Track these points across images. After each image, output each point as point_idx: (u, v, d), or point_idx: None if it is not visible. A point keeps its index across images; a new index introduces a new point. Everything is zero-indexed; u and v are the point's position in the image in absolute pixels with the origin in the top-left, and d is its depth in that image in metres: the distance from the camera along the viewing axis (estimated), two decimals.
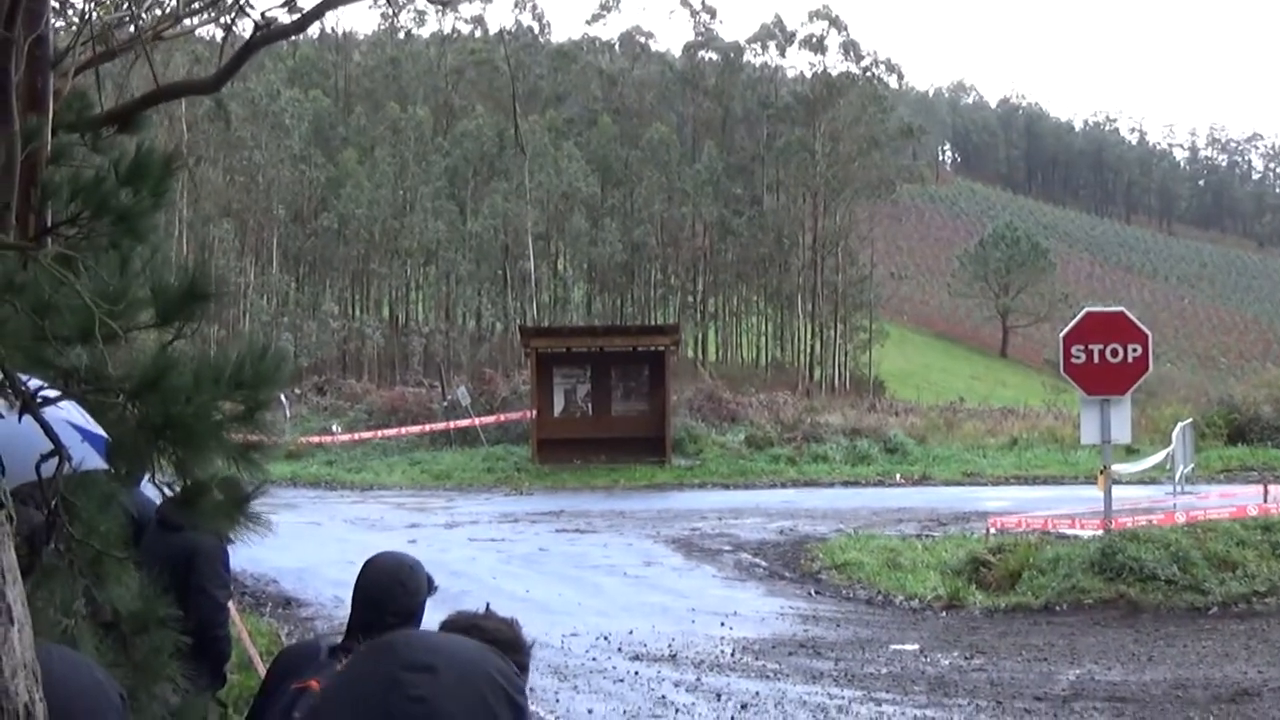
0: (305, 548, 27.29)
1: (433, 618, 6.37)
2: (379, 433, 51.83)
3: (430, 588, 5.98)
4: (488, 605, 5.00)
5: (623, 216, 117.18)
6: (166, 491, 7.22)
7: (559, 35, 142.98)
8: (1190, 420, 39.19)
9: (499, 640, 4.57)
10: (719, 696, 15.91)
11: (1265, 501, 28.06)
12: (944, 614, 21.96)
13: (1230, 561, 22.53)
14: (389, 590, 5.79)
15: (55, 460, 4.90)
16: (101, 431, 5.71)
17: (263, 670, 8.81)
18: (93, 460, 5.57)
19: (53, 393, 5.23)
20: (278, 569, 24.71)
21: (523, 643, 4.67)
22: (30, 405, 4.84)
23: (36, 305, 5.35)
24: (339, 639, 5.90)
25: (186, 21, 15.41)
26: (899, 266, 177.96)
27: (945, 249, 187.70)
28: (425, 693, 2.75)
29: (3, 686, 2.34)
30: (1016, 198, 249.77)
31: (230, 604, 9.88)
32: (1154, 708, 15.22)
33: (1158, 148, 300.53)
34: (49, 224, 7.16)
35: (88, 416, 5.69)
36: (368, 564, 5.99)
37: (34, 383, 5.08)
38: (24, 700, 2.38)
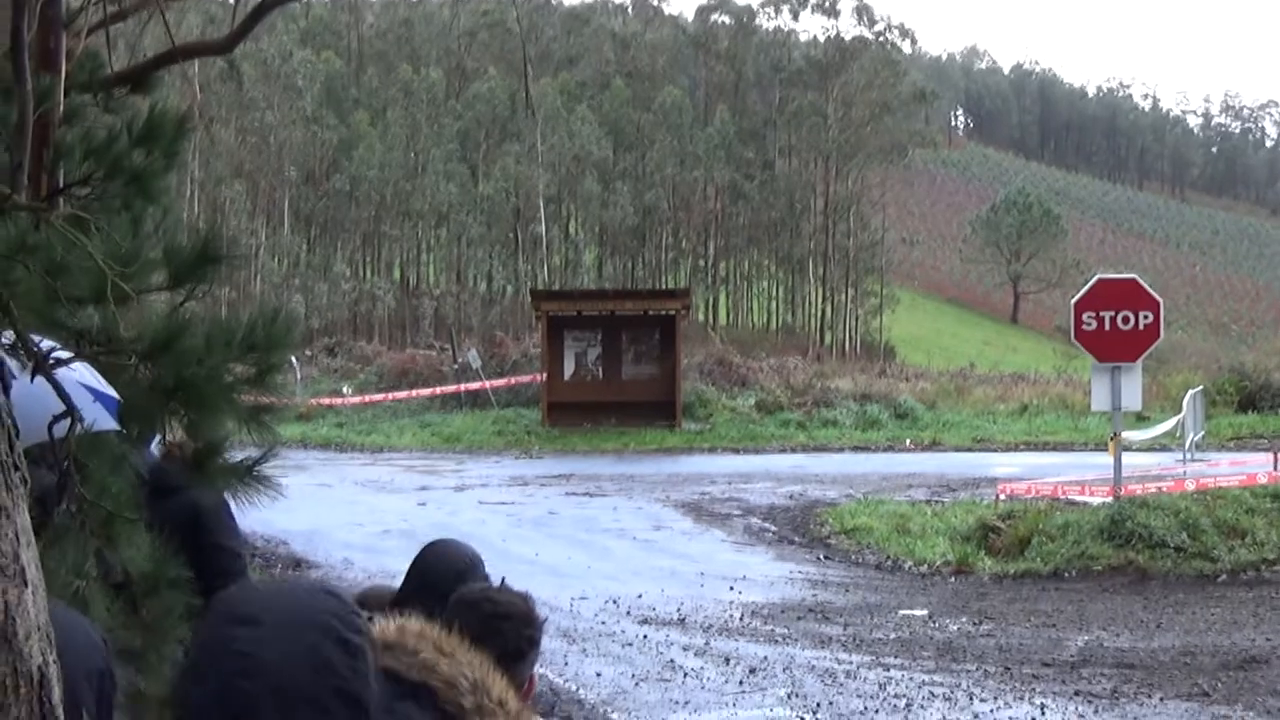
0: (315, 509, 27.33)
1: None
2: (389, 395, 51.84)
3: None
4: (503, 579, 5.02)
5: (634, 180, 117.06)
6: (155, 454, 7.23)
7: None
8: (1201, 388, 39.12)
9: (511, 614, 4.59)
10: (727, 660, 15.93)
11: (1275, 469, 27.97)
12: (953, 580, 21.99)
13: (1239, 529, 22.53)
14: (441, 574, 5.80)
15: (67, 421, 4.91)
16: (113, 393, 5.71)
17: None
18: (105, 421, 5.57)
19: (65, 354, 5.23)
20: (287, 531, 24.73)
21: (535, 617, 4.67)
22: (42, 366, 4.85)
23: (49, 266, 5.35)
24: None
25: None
26: (910, 232, 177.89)
27: (957, 214, 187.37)
28: (247, 646, 2.62)
29: (17, 649, 2.35)
30: (1029, 163, 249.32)
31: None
32: (1162, 674, 15.23)
33: (1171, 114, 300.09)
34: (61, 185, 7.16)
35: (100, 378, 5.69)
36: (430, 546, 6.01)
37: (46, 344, 5.08)
38: (38, 663, 2.39)
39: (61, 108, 7.52)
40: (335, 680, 2.63)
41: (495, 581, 5.96)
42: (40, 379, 4.81)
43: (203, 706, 2.61)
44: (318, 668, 2.62)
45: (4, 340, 4.52)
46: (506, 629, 4.44)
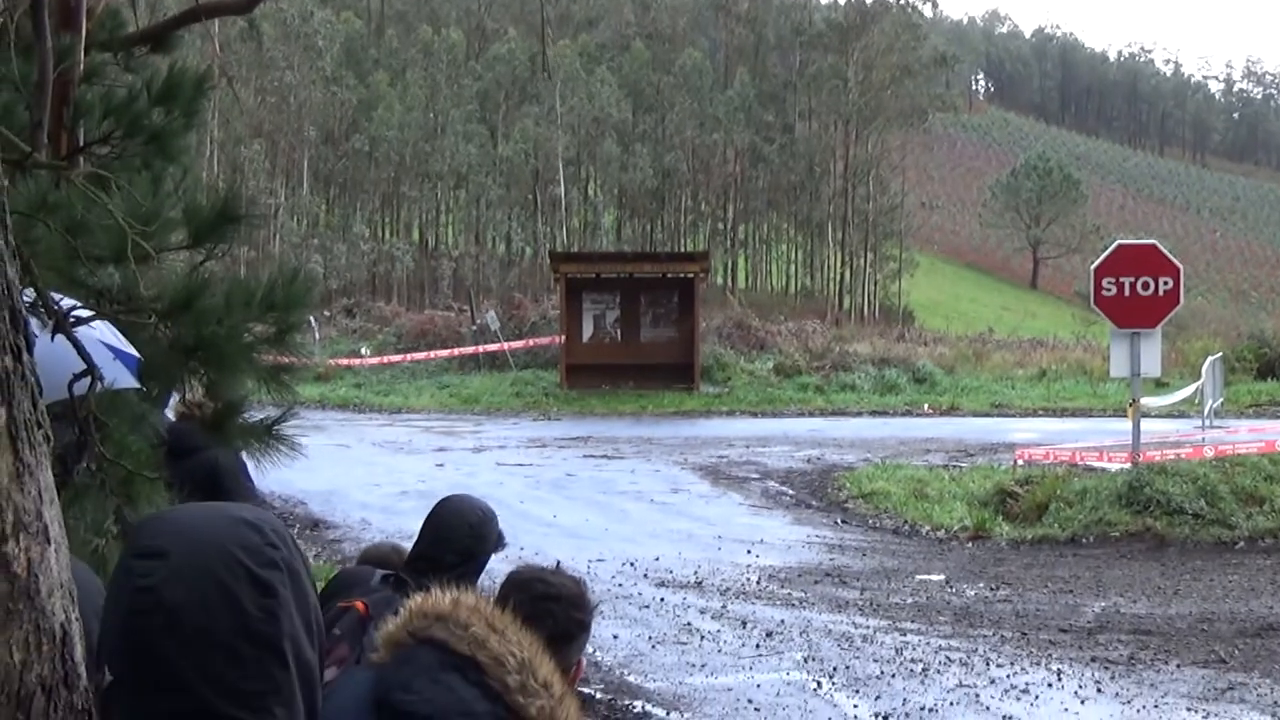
0: (333, 470, 27.39)
1: (499, 566, 6.47)
2: (408, 356, 51.92)
3: (500, 543, 6.02)
4: (558, 562, 5.04)
5: (654, 142, 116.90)
6: (169, 416, 7.24)
7: None
8: (1220, 354, 39.04)
9: (563, 595, 4.61)
10: (744, 624, 15.95)
11: None
12: (970, 545, 21.98)
13: (1258, 496, 22.49)
14: (455, 528, 5.85)
15: (87, 379, 4.91)
16: (133, 351, 5.72)
17: None
18: (125, 380, 5.58)
19: (85, 312, 5.24)
20: (306, 491, 24.79)
21: (586, 600, 4.67)
22: (63, 324, 4.85)
23: (69, 224, 5.35)
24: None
25: None
26: (930, 196, 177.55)
27: (977, 179, 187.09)
28: (153, 580, 2.49)
29: (39, 606, 2.35)
30: (1049, 128, 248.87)
31: None
32: (1179, 641, 15.23)
33: (1192, 80, 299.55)
34: (81, 143, 7.16)
35: (119, 336, 5.69)
36: (443, 500, 6.07)
37: (66, 302, 5.09)
38: (60, 619, 2.40)
39: (82, 66, 7.51)
40: (242, 619, 2.50)
41: (506, 536, 6.02)
42: (60, 337, 4.82)
43: (106, 643, 2.53)
44: (223, 606, 2.50)
45: (25, 298, 4.52)
46: (557, 611, 4.44)
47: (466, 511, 5.96)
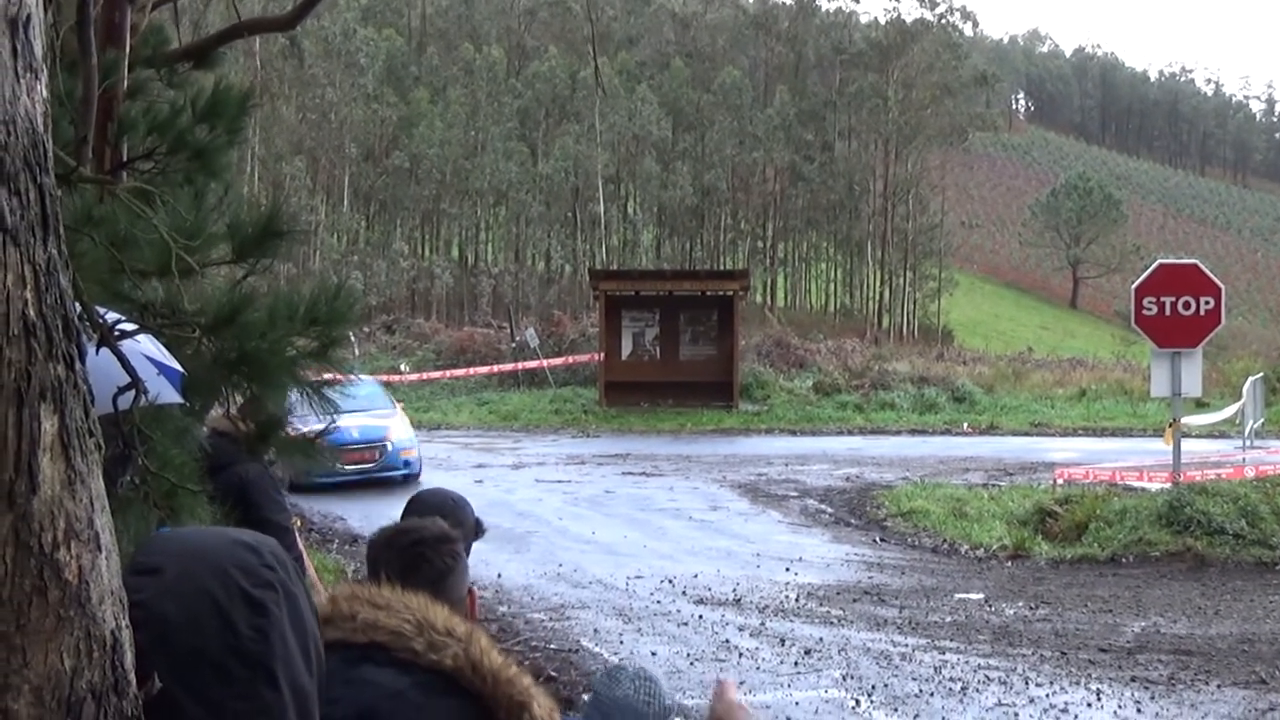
0: (370, 487, 27.46)
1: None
2: (447, 373, 51.99)
3: (479, 530, 6.03)
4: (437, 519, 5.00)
5: (693, 160, 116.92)
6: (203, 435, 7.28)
7: None
8: (1262, 374, 38.94)
9: (425, 538, 4.49)
10: (783, 641, 15.94)
11: None
12: (1009, 564, 21.92)
13: None
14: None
15: (132, 393, 4.95)
16: (176, 365, 5.75)
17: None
18: (168, 394, 5.61)
19: (130, 326, 5.27)
20: (344, 506, 24.87)
21: (450, 534, 4.51)
22: (108, 338, 4.89)
23: (113, 239, 5.39)
24: None
25: None
26: (970, 215, 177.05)
27: (1017, 198, 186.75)
28: (145, 596, 2.50)
29: (90, 613, 2.37)
30: (1090, 148, 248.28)
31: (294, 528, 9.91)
32: (1219, 661, 15.18)
33: (1234, 99, 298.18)
34: (125, 158, 7.21)
35: (163, 350, 5.73)
36: (417, 493, 6.09)
37: (111, 316, 5.12)
38: (110, 627, 2.41)
39: (126, 82, 7.57)
40: (234, 640, 2.50)
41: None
42: (105, 351, 4.85)
43: None
44: (216, 625, 2.50)
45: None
46: (428, 554, 4.41)
47: (438, 501, 5.97)
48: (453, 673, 3.36)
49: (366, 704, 3.30)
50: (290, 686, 2.56)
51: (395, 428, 30.00)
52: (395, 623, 3.36)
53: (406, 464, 29.33)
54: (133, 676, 2.47)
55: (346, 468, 27.33)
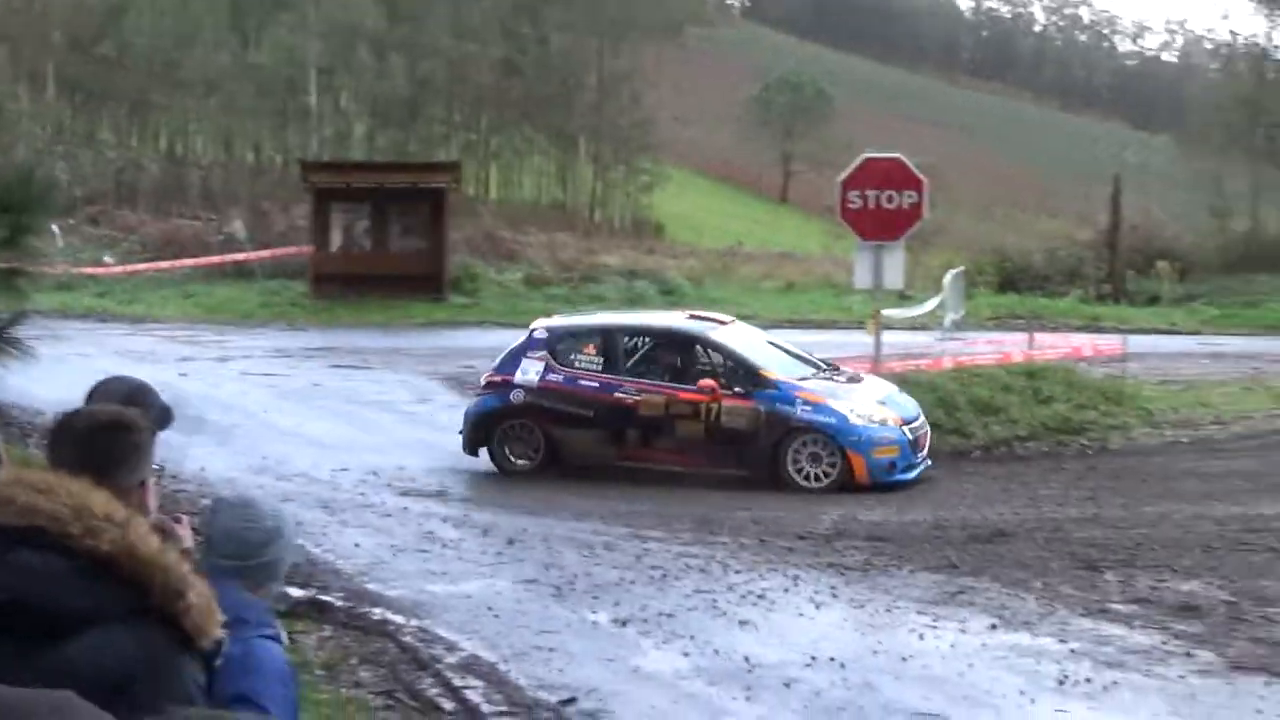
0: (74, 379, 26.64)
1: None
2: (153, 265, 51.00)
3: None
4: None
5: (409, 51, 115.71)
6: None
7: None
8: (962, 268, 39.70)
9: (106, 425, 4.49)
10: (486, 532, 15.99)
11: (1030, 348, 28.61)
12: None
13: (994, 406, 23.02)
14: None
15: None
16: None
17: None
18: None
19: None
20: (45, 400, 24.31)
21: (135, 423, 4.60)
22: None
23: None
24: None
25: None
26: (684, 110, 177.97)
27: (731, 93, 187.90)
28: None
29: None
30: (804, 44, 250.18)
31: None
32: (912, 547, 15.55)
33: None
34: None
35: None
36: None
37: None
38: None
39: None
40: None
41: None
42: None
43: None
44: None
45: None
46: (104, 439, 4.37)
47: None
48: (109, 558, 3.32)
49: (22, 588, 3.25)
50: None
51: None
52: (53, 507, 3.32)
53: None
54: None
55: None
